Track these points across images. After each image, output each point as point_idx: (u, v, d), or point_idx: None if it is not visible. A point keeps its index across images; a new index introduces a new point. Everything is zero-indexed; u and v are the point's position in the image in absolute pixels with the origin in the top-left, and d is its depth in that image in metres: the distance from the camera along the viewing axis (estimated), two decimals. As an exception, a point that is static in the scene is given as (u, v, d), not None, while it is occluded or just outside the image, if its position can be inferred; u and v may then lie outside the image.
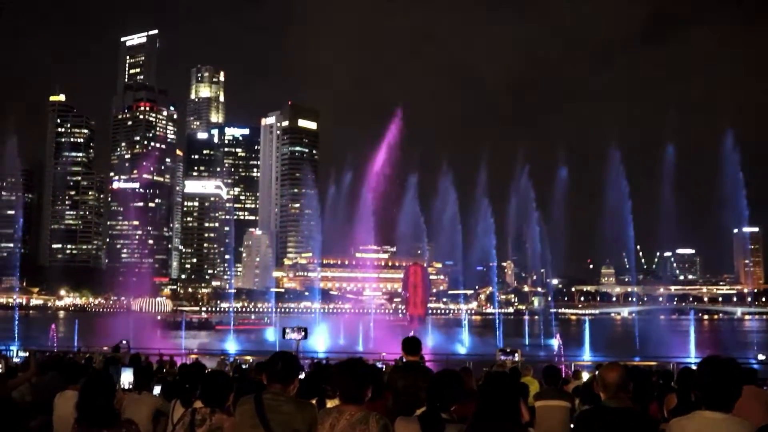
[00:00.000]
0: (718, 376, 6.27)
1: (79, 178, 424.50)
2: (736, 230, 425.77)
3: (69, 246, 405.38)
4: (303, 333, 25.79)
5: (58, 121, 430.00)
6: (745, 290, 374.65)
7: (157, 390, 12.82)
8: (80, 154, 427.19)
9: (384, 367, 22.08)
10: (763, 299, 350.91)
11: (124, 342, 29.93)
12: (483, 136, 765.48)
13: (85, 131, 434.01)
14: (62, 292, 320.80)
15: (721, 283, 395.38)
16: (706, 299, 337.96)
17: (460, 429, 7.16)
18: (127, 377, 15.37)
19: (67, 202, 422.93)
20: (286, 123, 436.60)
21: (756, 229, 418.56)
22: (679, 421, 6.50)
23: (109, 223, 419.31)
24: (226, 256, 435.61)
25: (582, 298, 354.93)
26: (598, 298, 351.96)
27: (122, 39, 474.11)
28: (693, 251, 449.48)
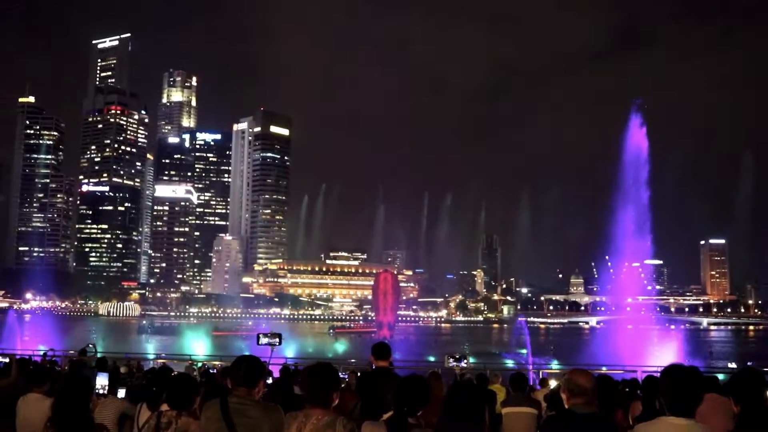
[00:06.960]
0: (681, 383, 6.39)
1: (48, 180, 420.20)
2: (702, 242, 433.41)
3: (36, 249, 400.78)
4: (277, 339, 25.54)
5: (27, 122, 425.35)
6: (711, 301, 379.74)
7: (121, 393, 12.72)
8: (49, 157, 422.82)
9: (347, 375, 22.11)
10: (729, 310, 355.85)
11: (91, 345, 29.55)
12: (455, 145, 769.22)
13: (55, 133, 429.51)
14: (28, 296, 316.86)
15: (688, 294, 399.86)
16: (673, 309, 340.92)
17: (426, 433, 7.16)
18: (100, 381, 15.18)
19: (35, 205, 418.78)
20: (258, 129, 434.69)
21: (722, 241, 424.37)
22: (644, 426, 6.59)
23: (77, 226, 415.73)
24: (196, 261, 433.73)
25: (551, 307, 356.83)
26: (567, 308, 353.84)
27: (94, 42, 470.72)
28: (661, 262, 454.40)
